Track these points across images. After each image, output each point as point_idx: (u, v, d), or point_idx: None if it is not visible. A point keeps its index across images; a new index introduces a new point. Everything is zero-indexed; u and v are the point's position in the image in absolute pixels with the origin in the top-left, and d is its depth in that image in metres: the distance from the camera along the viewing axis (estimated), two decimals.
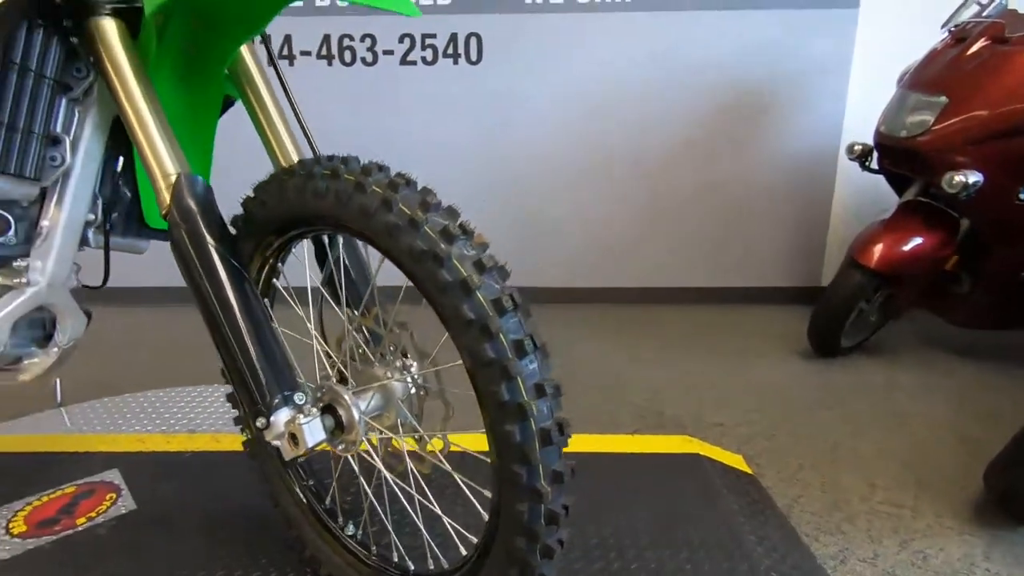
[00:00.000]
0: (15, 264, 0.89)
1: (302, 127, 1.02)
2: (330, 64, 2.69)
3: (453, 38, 2.58)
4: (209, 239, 0.75)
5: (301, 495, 1.06)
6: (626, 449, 1.62)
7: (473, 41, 2.58)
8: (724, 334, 2.57)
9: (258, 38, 0.99)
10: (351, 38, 2.64)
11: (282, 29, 2.64)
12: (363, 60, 2.66)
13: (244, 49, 0.97)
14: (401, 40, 2.61)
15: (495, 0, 2.53)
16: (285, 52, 2.67)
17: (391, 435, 0.87)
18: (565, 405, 0.71)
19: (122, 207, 1.00)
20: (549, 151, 2.73)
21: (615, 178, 2.76)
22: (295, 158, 0.98)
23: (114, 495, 1.32)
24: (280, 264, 0.95)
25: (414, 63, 2.64)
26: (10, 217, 0.86)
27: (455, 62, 2.62)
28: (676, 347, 2.43)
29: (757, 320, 2.71)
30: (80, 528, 1.22)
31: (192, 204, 0.76)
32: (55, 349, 0.95)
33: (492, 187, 2.77)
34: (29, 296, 0.86)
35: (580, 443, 1.54)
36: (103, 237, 0.98)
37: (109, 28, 0.78)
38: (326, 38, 2.65)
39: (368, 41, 2.63)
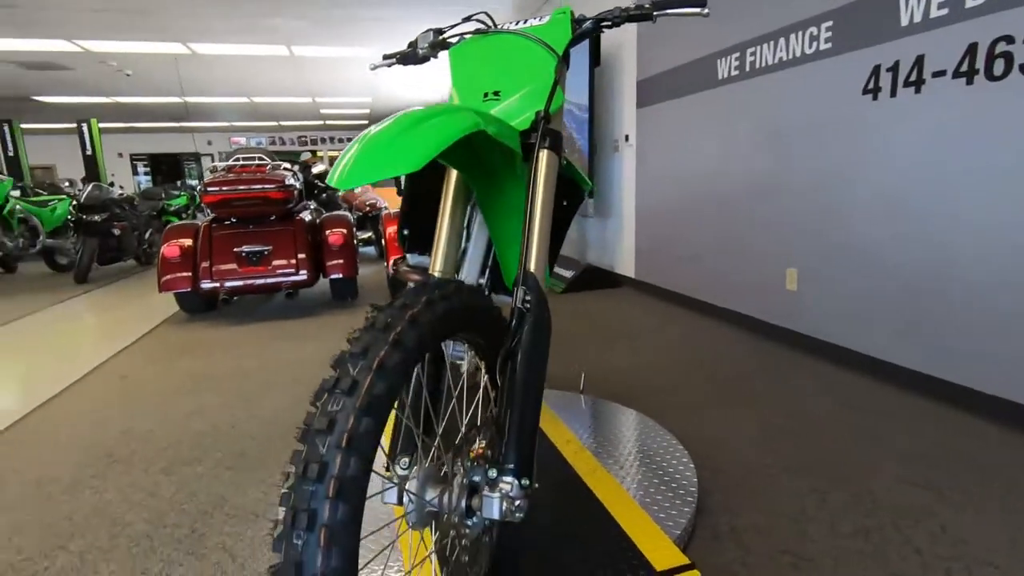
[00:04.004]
0: None
1: None
2: (970, 82, 1.92)
3: None
4: None
5: None
6: None
7: None
8: None
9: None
10: (1010, 40, 1.79)
11: (913, 50, 2.08)
12: (1023, 68, 1.76)
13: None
14: None
15: None
16: (913, 77, 2.11)
17: None
18: None
19: (494, 275, 1.25)
20: None
21: None
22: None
23: None
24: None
25: None
26: None
27: None
28: None
29: None
30: None
31: None
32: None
33: None
34: None
35: None
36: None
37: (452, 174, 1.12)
38: (971, 48, 1.90)
39: None
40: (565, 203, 1.28)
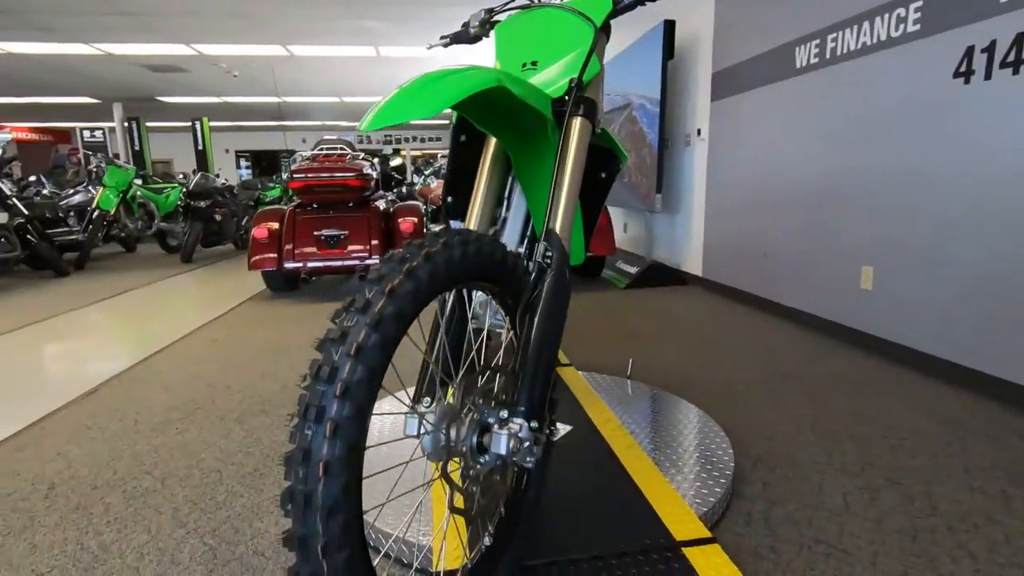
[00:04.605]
0: None
1: None
2: None
3: None
4: None
5: None
6: None
7: None
8: None
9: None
10: None
11: (1013, 27, 1.90)
12: None
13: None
14: None
15: None
16: (1011, 57, 1.93)
17: None
18: None
19: (532, 245, 1.28)
20: None
21: None
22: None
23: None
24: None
25: None
26: None
27: None
28: None
29: None
30: None
31: None
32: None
33: None
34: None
35: None
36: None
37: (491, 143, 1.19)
38: None
39: None
40: (604, 175, 1.30)
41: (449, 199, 1.32)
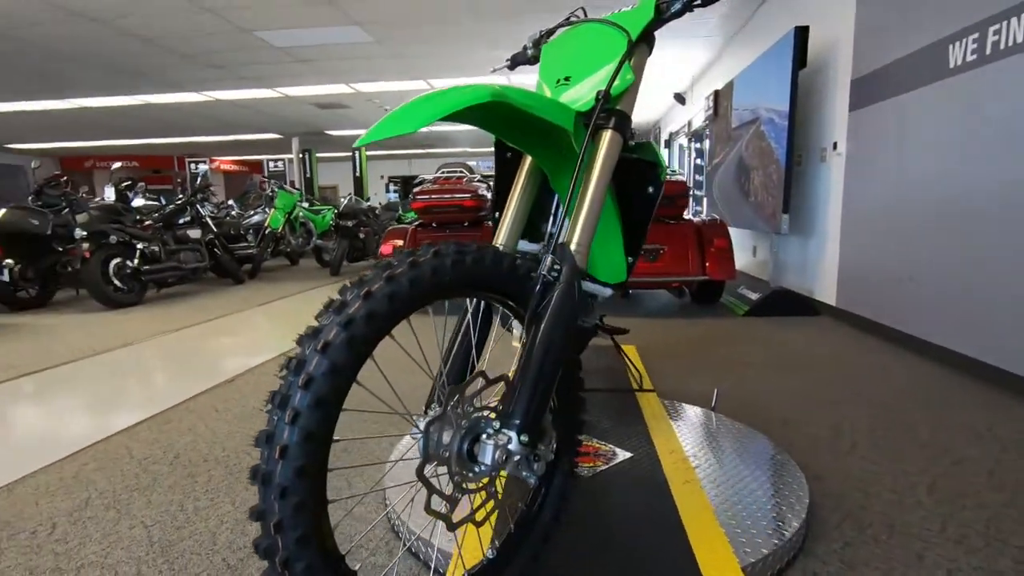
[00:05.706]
0: None
1: None
2: None
3: None
4: None
5: None
6: None
7: None
8: None
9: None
10: None
11: None
12: None
13: None
14: None
15: None
16: None
17: None
18: None
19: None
20: None
21: None
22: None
23: (605, 461, 1.58)
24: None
25: None
26: None
27: None
28: None
29: None
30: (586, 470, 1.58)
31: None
32: None
33: None
34: None
35: None
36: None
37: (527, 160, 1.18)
38: None
39: None
40: (651, 189, 1.24)
41: (496, 215, 1.35)
